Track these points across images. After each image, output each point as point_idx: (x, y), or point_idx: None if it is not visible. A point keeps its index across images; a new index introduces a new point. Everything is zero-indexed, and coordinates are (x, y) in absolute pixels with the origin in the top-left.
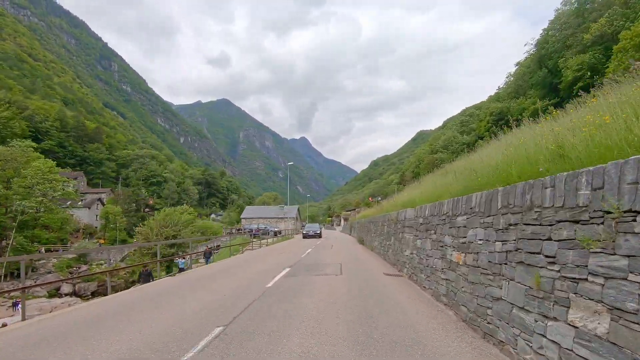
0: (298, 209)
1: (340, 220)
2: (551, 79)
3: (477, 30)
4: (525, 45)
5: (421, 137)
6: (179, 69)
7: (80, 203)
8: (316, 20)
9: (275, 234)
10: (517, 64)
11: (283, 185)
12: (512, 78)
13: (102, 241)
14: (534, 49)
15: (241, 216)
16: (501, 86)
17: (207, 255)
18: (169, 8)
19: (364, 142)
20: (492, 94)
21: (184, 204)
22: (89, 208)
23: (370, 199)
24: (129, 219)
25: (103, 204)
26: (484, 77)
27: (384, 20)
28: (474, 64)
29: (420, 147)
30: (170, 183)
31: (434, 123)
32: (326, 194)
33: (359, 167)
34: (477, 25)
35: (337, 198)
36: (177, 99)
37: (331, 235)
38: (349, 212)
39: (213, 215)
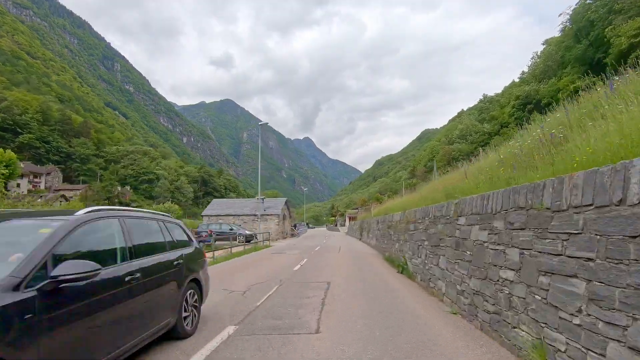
0: (287, 203)
1: (345, 220)
2: (593, 52)
3: (482, 29)
4: (559, 15)
5: (426, 135)
6: (182, 70)
7: (39, 200)
8: (319, 20)
9: (248, 239)
10: (545, 42)
11: (287, 185)
12: (538, 59)
13: None
14: (568, 23)
15: (202, 213)
16: (525, 70)
17: None
18: (172, 9)
19: (368, 142)
20: (510, 81)
21: (168, 202)
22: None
23: (371, 201)
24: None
25: (68, 201)
26: (489, 75)
27: (388, 19)
28: (479, 62)
29: (435, 139)
30: (163, 181)
31: (438, 122)
32: (331, 194)
33: (364, 167)
34: (482, 24)
35: (341, 198)
36: (180, 100)
37: (332, 242)
38: (356, 211)
39: None
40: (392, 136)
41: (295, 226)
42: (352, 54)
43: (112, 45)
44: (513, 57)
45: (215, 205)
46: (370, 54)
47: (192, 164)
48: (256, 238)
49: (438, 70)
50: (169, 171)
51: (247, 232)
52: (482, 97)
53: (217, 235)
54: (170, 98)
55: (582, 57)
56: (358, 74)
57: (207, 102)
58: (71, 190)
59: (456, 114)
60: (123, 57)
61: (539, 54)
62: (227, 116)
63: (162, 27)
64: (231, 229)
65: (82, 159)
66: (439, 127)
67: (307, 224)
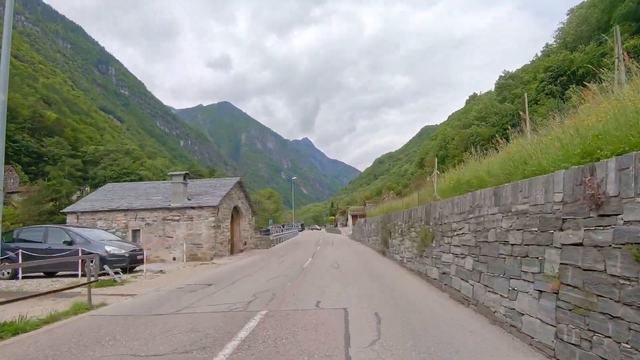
0: (242, 187)
1: (347, 219)
2: None
3: (482, 24)
4: None
5: (427, 132)
6: (181, 73)
7: None
8: (318, 18)
9: (111, 265)
10: (570, 11)
11: (287, 186)
12: (568, 26)
13: None
14: None
15: (68, 209)
16: (550, 43)
17: None
18: (170, 12)
19: (368, 140)
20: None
21: None
22: None
23: (383, 191)
24: (41, 225)
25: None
26: (489, 71)
27: (388, 16)
28: (480, 58)
29: (447, 125)
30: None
31: (438, 118)
32: (331, 194)
33: (363, 166)
34: (483, 19)
35: (342, 197)
36: (180, 103)
37: (326, 265)
38: (362, 207)
39: None
40: (393, 134)
41: (283, 226)
42: (352, 52)
43: (106, 49)
44: (513, 53)
45: (103, 195)
46: (371, 51)
47: (184, 164)
48: (111, 263)
49: (440, 66)
50: (154, 171)
51: (112, 248)
52: (502, 74)
53: (34, 254)
54: (169, 101)
55: (635, 12)
56: (358, 72)
57: (204, 105)
58: (27, 192)
59: (468, 97)
60: (118, 61)
61: (565, 22)
62: (225, 118)
63: (160, 30)
64: (70, 243)
65: (56, 160)
66: (438, 124)
67: (301, 224)
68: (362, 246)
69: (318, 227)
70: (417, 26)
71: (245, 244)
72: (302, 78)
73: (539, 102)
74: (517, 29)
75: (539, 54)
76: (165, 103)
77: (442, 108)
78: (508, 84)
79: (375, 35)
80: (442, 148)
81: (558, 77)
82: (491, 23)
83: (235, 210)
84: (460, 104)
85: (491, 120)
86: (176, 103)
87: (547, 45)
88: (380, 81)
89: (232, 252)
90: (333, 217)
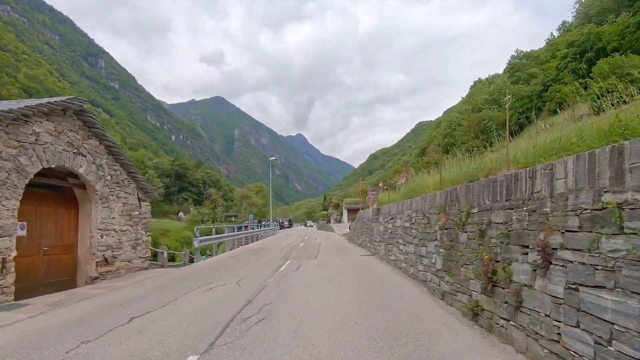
0: (87, 122)
1: (342, 214)
2: None
3: (478, 22)
4: None
5: (421, 127)
6: (174, 69)
7: None
8: (312, 14)
9: None
10: None
11: (280, 182)
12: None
13: None
14: None
15: None
16: (567, 19)
17: None
18: (163, 8)
19: (363, 137)
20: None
21: None
22: None
23: (380, 184)
24: None
25: None
26: (487, 68)
27: (382, 12)
28: (476, 55)
29: (452, 112)
30: None
31: (434, 114)
32: (325, 190)
33: (358, 163)
34: (478, 16)
35: (335, 193)
36: (172, 98)
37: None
38: (366, 197)
39: (181, 214)
40: (388, 132)
41: (260, 222)
42: (347, 49)
43: (95, 41)
44: (511, 51)
45: None
46: (366, 48)
47: (168, 157)
48: None
49: (435, 64)
50: (134, 164)
51: None
52: (514, 53)
53: None
54: (162, 97)
55: None
56: (353, 69)
57: (197, 99)
58: None
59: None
60: (108, 54)
61: None
62: (218, 114)
63: (153, 26)
64: None
65: None
66: (433, 119)
67: (288, 220)
68: (373, 260)
69: (312, 224)
70: (412, 23)
71: (107, 261)
72: (296, 75)
73: (561, 81)
74: (514, 28)
75: (555, 33)
76: (157, 97)
77: (437, 104)
78: (522, 64)
79: (370, 31)
80: (448, 135)
81: (584, 53)
82: (487, 21)
83: (74, 181)
84: (455, 100)
85: (505, 103)
86: (168, 98)
87: (563, 22)
88: (375, 79)
89: (74, 283)
90: (325, 213)
